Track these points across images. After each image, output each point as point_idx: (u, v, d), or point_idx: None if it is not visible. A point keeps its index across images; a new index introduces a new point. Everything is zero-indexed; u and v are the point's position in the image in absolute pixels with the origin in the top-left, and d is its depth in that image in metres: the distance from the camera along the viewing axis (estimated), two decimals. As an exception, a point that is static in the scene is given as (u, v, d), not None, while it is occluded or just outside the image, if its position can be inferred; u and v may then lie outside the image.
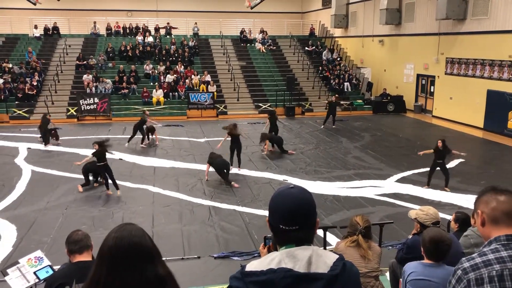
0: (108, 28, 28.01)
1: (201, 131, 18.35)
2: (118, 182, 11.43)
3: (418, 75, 22.94)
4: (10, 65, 22.99)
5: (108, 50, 25.31)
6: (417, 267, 3.59)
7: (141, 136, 15.59)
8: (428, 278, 3.48)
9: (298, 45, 28.57)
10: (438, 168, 10.94)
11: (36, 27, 26.82)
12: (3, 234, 8.42)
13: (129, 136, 15.69)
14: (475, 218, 2.04)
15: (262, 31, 28.80)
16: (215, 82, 23.67)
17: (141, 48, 25.64)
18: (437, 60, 21.04)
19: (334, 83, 24.62)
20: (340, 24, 29.14)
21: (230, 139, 12.52)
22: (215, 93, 22.66)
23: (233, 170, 12.33)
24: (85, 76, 22.71)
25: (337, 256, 1.75)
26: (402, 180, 11.72)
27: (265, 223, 1.87)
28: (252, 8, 29.33)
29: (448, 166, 13.08)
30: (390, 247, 7.55)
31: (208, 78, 23.55)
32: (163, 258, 1.83)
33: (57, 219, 9.10)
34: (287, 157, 14.13)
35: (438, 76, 21.20)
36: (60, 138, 16.09)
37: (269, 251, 2.10)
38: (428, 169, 11.25)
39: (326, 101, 20.12)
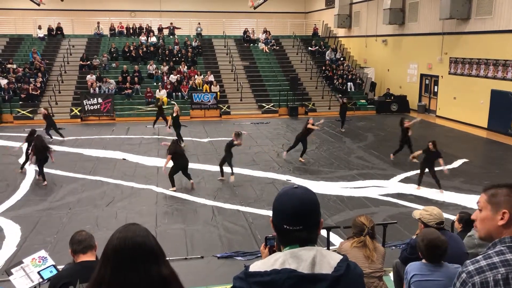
0: (112, 29, 28.08)
1: (204, 131, 18.36)
2: (121, 182, 11.49)
3: (422, 75, 22.88)
4: (15, 66, 23.07)
5: (112, 50, 25.36)
6: (419, 267, 3.58)
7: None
8: (431, 278, 3.47)
9: (301, 45, 28.54)
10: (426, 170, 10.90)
11: (40, 27, 26.91)
12: (7, 234, 8.45)
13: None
14: (491, 214, 1.90)
15: (265, 31, 28.79)
16: (218, 82, 23.68)
17: (144, 48, 25.69)
18: (440, 60, 20.98)
19: (337, 83, 24.59)
20: (344, 24, 29.10)
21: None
22: (218, 93, 22.66)
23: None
24: (88, 76, 22.76)
25: (341, 257, 1.74)
26: (405, 180, 11.69)
27: (269, 223, 1.87)
28: (255, 8, 29.32)
29: (451, 166, 13.09)
30: (393, 247, 7.54)
31: (211, 78, 23.56)
32: (167, 258, 1.83)
33: (60, 219, 9.12)
34: (290, 157, 14.12)
35: (442, 76, 21.14)
36: (65, 138, 16.21)
37: (270, 251, 2.09)
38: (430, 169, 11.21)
39: (339, 101, 19.64)
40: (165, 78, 23.35)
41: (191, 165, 13.16)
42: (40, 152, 11.25)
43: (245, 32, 28.73)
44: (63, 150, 14.96)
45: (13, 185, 11.34)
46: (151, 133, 17.91)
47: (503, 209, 1.87)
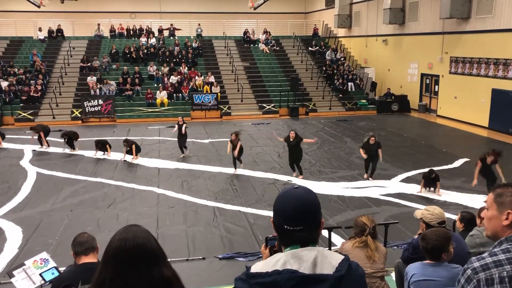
0: (112, 30, 28.09)
1: (205, 132, 18.37)
2: (123, 184, 11.49)
3: (422, 75, 22.87)
4: (16, 70, 23.07)
5: (112, 52, 25.38)
6: (419, 267, 3.57)
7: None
8: (431, 278, 3.46)
9: (301, 45, 28.54)
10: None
11: (40, 29, 26.94)
12: (9, 236, 8.45)
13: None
14: (497, 214, 1.91)
15: (265, 32, 28.79)
16: (219, 83, 23.68)
17: (144, 50, 25.71)
18: (441, 59, 20.97)
19: (338, 83, 24.60)
20: (344, 24, 29.09)
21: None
22: (218, 94, 22.67)
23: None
24: (89, 78, 22.78)
25: (342, 257, 1.74)
26: (407, 180, 11.68)
27: (270, 223, 1.87)
28: (255, 8, 29.32)
29: (453, 165, 13.08)
30: (395, 247, 7.53)
31: (211, 79, 23.57)
32: (168, 259, 1.83)
33: (62, 221, 9.12)
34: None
35: (443, 75, 21.12)
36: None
37: (270, 252, 2.09)
38: (433, 168, 11.19)
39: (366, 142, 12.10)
40: (166, 79, 23.36)
41: (192, 166, 13.22)
42: (69, 136, 15.07)
43: (245, 32, 28.73)
44: (64, 152, 14.98)
45: (14, 187, 11.36)
46: (152, 135, 17.91)
47: (508, 209, 1.87)
